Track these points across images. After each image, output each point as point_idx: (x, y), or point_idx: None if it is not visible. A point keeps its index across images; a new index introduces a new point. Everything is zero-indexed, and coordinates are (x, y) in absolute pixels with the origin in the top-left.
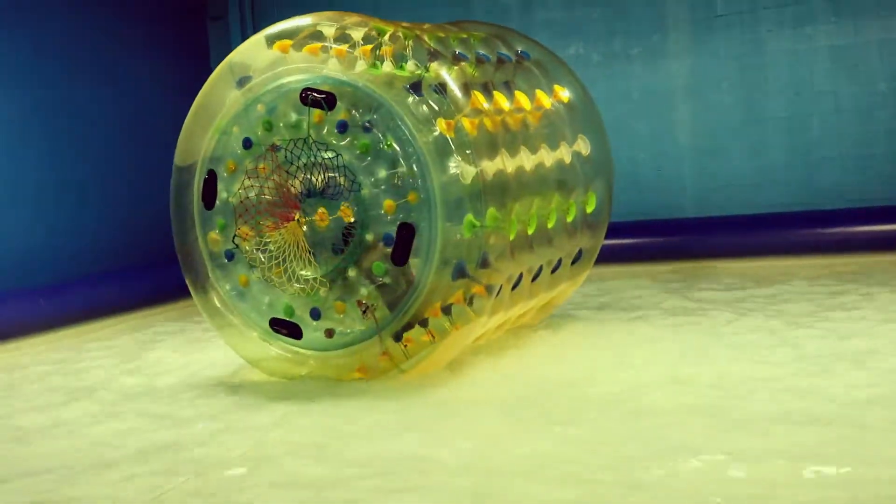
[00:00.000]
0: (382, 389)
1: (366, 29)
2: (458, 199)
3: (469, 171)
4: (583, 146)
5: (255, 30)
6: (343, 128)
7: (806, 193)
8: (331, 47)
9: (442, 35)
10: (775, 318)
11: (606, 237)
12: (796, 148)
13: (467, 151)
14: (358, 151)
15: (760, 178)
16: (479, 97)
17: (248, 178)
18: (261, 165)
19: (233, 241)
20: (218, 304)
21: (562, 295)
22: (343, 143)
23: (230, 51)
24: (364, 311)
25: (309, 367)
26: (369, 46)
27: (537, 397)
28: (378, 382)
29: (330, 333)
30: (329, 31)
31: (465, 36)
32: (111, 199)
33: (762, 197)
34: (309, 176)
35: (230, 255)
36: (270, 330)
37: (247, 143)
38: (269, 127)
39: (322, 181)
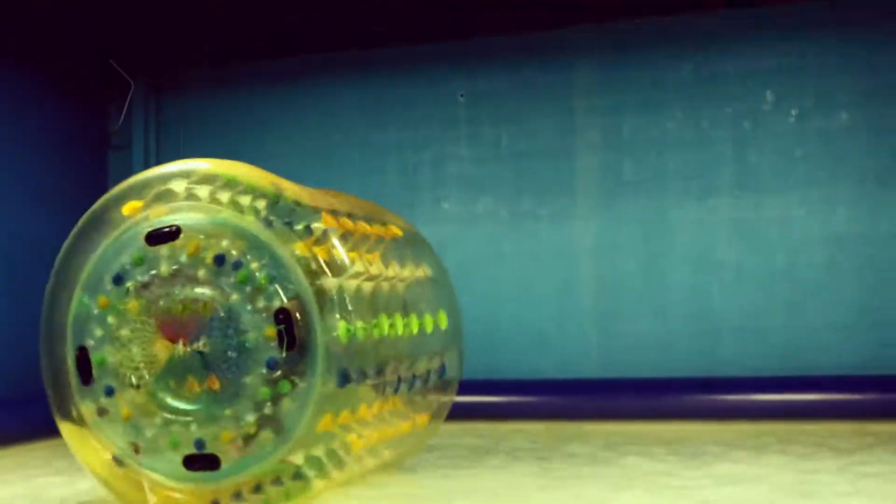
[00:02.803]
0: None
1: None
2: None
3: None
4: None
5: (159, 163)
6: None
7: (707, 361)
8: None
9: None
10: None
11: (508, 394)
12: (698, 316)
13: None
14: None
15: (663, 343)
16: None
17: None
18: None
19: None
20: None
21: (408, 453)
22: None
23: None
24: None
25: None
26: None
27: None
28: None
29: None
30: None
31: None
32: None
33: (665, 362)
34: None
35: (109, 390)
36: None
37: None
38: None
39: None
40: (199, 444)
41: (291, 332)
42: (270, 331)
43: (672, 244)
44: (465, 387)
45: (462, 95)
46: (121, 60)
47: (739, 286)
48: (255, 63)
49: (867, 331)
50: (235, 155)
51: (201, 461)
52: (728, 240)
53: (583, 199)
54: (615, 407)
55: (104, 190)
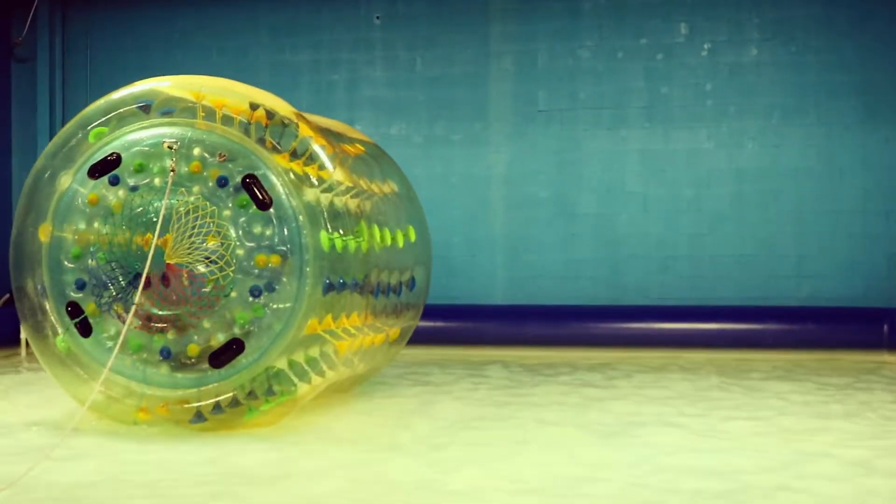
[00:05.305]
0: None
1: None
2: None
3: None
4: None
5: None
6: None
7: (611, 288)
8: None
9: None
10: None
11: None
12: (604, 244)
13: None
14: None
15: (569, 271)
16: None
17: None
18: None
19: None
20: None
21: (376, 369)
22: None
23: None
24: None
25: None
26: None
27: None
28: None
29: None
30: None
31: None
32: None
33: (570, 289)
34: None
35: (81, 284)
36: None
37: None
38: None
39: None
40: (166, 352)
41: (261, 191)
42: (261, 258)
43: (582, 174)
44: None
45: (378, 17)
46: None
47: (646, 216)
48: None
49: (765, 262)
50: (146, 70)
51: (227, 351)
52: (636, 171)
53: (496, 125)
54: (521, 334)
55: (7, 101)
